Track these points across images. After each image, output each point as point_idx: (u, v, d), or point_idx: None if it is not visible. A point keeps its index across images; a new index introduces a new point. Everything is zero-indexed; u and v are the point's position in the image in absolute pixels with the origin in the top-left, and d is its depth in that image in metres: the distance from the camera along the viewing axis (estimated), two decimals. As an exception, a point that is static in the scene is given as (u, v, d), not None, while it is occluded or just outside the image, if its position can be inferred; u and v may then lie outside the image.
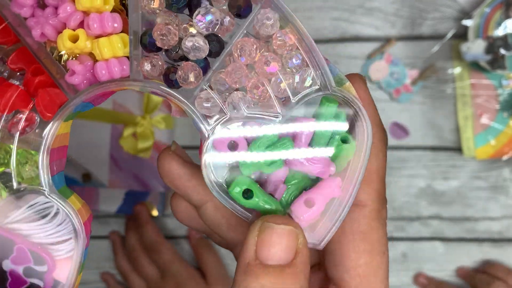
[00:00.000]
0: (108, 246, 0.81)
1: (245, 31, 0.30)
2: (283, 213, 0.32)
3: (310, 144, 0.32)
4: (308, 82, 0.31)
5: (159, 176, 0.38)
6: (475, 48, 0.72)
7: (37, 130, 0.30)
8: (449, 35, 0.76)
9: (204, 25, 0.30)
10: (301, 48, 0.31)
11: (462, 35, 0.76)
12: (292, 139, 0.31)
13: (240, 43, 0.30)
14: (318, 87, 0.31)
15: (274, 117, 0.31)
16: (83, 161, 0.79)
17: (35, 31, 0.29)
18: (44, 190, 0.30)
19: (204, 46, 0.30)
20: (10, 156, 0.30)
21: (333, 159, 0.32)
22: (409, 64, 0.78)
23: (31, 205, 0.31)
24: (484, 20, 0.72)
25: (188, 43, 0.29)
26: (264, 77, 0.30)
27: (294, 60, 0.31)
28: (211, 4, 0.30)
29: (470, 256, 0.78)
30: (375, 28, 0.78)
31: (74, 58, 0.30)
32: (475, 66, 0.75)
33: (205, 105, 0.31)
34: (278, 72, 0.30)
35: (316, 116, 0.32)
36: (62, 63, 0.30)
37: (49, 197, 0.30)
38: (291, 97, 0.31)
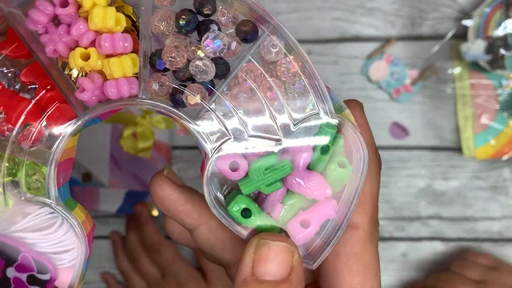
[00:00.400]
0: (108, 246, 0.81)
1: (250, 57, 0.31)
2: (280, 232, 0.33)
3: (308, 167, 0.33)
4: (309, 108, 0.32)
5: (152, 201, 0.38)
6: (475, 48, 0.72)
7: (45, 144, 0.31)
8: (449, 35, 0.76)
9: (212, 49, 0.31)
10: (304, 75, 0.32)
11: (462, 35, 0.76)
12: (291, 161, 0.32)
13: (246, 68, 0.31)
14: (318, 113, 0.32)
15: (276, 141, 0.32)
16: (83, 161, 0.79)
17: (48, 48, 0.30)
18: (51, 203, 0.31)
19: (210, 68, 0.31)
20: (18, 167, 0.31)
21: (330, 182, 0.33)
22: (409, 64, 0.78)
23: (37, 215, 0.31)
24: (484, 20, 0.72)
25: (196, 64, 0.30)
26: (267, 102, 0.32)
27: (296, 86, 0.31)
28: (219, 28, 0.31)
29: (470, 256, 0.78)
30: (375, 28, 0.78)
31: (84, 75, 0.31)
32: (475, 66, 0.75)
33: (209, 125, 0.32)
34: (280, 97, 0.31)
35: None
36: (73, 79, 0.31)
37: (55, 209, 0.31)
38: (292, 122, 0.32)
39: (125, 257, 0.79)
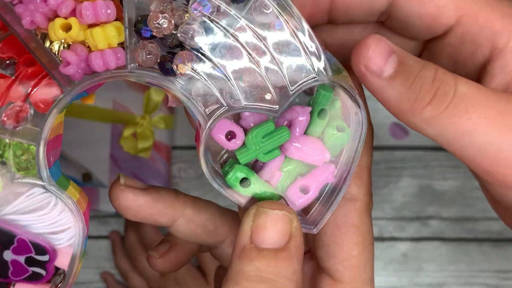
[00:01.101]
0: (108, 246, 0.81)
1: (242, 19, 0.29)
2: (278, 199, 0.32)
3: (306, 132, 0.32)
4: (305, 71, 0.30)
5: (119, 213, 0.37)
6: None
7: (31, 122, 0.29)
8: (449, 35, 0.76)
9: (201, 13, 0.29)
10: (298, 36, 0.30)
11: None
12: (288, 126, 0.32)
13: (239, 31, 0.29)
14: (315, 75, 0.30)
15: (272, 108, 0.30)
16: (83, 161, 0.79)
17: (25, 20, 0.27)
18: (44, 184, 0.30)
19: (200, 33, 0.29)
20: (5, 148, 0.29)
21: (328, 146, 0.32)
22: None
23: (29, 196, 0.30)
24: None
25: (184, 29, 0.29)
26: (261, 65, 0.30)
27: (291, 47, 0.30)
28: None
29: (470, 256, 0.78)
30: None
31: (67, 47, 0.29)
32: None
33: (202, 94, 0.30)
34: (276, 60, 0.30)
35: (312, 104, 0.32)
36: (54, 51, 0.29)
37: (48, 189, 0.30)
38: (288, 86, 0.30)
39: (124, 257, 0.78)
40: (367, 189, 0.34)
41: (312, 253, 0.35)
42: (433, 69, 0.28)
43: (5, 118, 0.29)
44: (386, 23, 0.34)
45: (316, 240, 0.34)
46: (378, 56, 0.28)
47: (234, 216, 0.40)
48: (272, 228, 0.30)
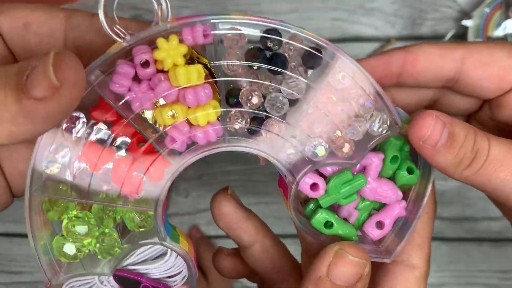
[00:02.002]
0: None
1: (319, 86, 0.33)
2: (356, 235, 0.37)
3: (378, 175, 0.36)
4: (378, 126, 0.34)
5: (213, 218, 0.41)
6: (475, 48, 0.72)
7: (147, 191, 0.33)
8: (449, 35, 0.76)
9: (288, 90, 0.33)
10: (372, 95, 0.34)
11: (462, 35, 0.75)
12: (363, 172, 0.35)
13: (317, 97, 0.33)
14: (388, 129, 0.34)
15: (350, 162, 0.34)
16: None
17: (134, 105, 0.31)
18: (162, 242, 0.35)
19: (286, 102, 0.33)
20: (126, 212, 0.34)
21: (399, 186, 0.36)
22: (409, 64, 0.77)
23: (147, 249, 0.36)
24: (484, 20, 0.72)
25: (272, 100, 0.33)
26: (340, 125, 0.34)
27: (366, 105, 0.34)
28: (286, 60, 0.32)
29: (470, 256, 0.78)
30: (375, 29, 0.77)
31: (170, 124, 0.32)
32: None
33: (288, 154, 0.34)
34: (352, 118, 0.33)
35: (383, 150, 0.36)
36: (158, 125, 0.32)
37: (166, 245, 0.35)
38: (364, 141, 0.34)
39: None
40: (427, 258, 0.38)
41: None
42: (472, 137, 0.33)
43: (127, 192, 0.33)
44: (452, 86, 0.38)
45: None
46: (433, 134, 0.32)
47: (295, 262, 0.44)
48: (348, 271, 0.34)
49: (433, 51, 0.36)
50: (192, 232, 0.79)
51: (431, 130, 0.32)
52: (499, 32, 0.72)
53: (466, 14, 0.75)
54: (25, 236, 0.40)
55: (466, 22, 0.73)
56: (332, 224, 0.36)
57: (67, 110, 0.25)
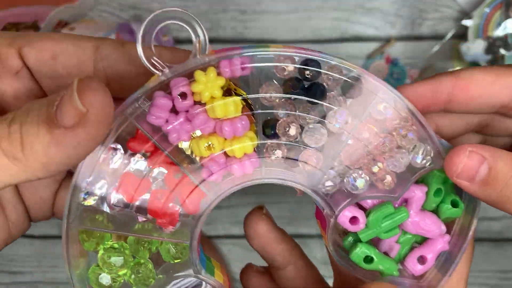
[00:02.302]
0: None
1: (359, 118, 0.32)
2: (397, 269, 0.35)
3: (422, 207, 0.35)
4: (421, 158, 0.33)
5: (246, 237, 0.40)
6: (475, 48, 0.72)
7: (182, 224, 0.33)
8: (449, 35, 0.76)
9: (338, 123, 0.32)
10: (414, 126, 0.33)
11: (462, 35, 0.75)
12: (405, 205, 0.34)
13: (359, 128, 0.32)
14: (431, 160, 0.33)
15: (392, 195, 0.33)
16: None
17: (171, 136, 0.31)
18: (197, 275, 0.34)
19: (324, 133, 0.32)
20: (162, 244, 0.34)
21: (443, 219, 0.35)
22: (409, 64, 0.78)
23: (180, 281, 0.35)
24: (484, 20, 0.72)
25: (310, 132, 0.32)
26: (381, 156, 0.33)
27: (408, 136, 0.33)
28: (325, 89, 0.32)
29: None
30: (375, 28, 0.77)
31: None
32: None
33: (326, 186, 0.33)
34: (394, 150, 0.33)
35: (426, 182, 0.34)
36: (194, 156, 0.32)
37: (201, 278, 0.35)
38: (407, 173, 0.33)
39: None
40: None
41: None
42: None
43: (163, 223, 0.33)
44: (506, 112, 0.36)
45: None
46: (467, 169, 0.31)
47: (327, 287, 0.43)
48: None
49: (484, 77, 0.34)
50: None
51: (463, 165, 0.31)
52: (499, 32, 0.72)
53: (466, 14, 0.75)
54: (25, 236, 0.40)
55: (466, 22, 0.73)
56: (372, 259, 0.34)
57: (97, 137, 0.25)
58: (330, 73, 0.32)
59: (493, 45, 0.71)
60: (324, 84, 0.32)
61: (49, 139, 0.23)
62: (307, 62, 0.31)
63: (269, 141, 0.32)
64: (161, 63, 0.30)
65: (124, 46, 0.32)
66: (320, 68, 0.32)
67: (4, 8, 0.72)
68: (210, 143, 0.31)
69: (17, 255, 0.82)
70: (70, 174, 0.35)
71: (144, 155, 0.32)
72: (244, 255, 0.79)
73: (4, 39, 0.29)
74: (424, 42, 0.77)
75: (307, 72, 0.31)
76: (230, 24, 0.77)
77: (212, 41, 0.76)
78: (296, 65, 0.31)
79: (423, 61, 0.77)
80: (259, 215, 0.39)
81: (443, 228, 0.35)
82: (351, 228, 0.34)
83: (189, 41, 0.75)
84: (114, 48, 0.32)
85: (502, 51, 0.71)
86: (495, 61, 0.72)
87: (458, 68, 0.76)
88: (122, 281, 0.34)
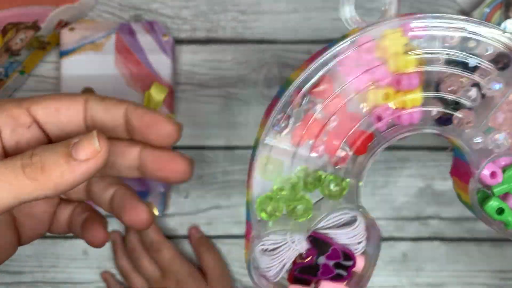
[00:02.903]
0: (108, 246, 0.80)
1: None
2: None
3: None
4: None
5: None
6: (475, 48, 0.72)
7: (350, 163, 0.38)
8: (449, 35, 0.76)
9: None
10: None
11: (462, 35, 0.76)
12: None
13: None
14: None
15: None
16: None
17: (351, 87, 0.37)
18: (358, 210, 0.39)
19: (478, 96, 0.38)
20: (326, 179, 0.38)
21: None
22: (409, 64, 0.78)
23: (339, 215, 0.39)
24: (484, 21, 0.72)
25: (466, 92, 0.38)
26: None
27: None
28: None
29: (470, 256, 0.78)
30: (375, 28, 0.78)
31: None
32: (475, 66, 0.75)
33: (476, 142, 0.39)
34: None
35: None
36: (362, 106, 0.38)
37: (361, 212, 0.39)
38: None
39: (124, 256, 0.78)
40: None
41: None
42: None
43: (338, 163, 0.38)
44: None
45: None
46: None
47: None
48: None
49: None
50: (192, 232, 0.79)
51: None
52: (499, 32, 0.72)
53: (466, 14, 0.76)
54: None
55: (466, 22, 0.74)
56: (502, 211, 0.40)
57: (100, 168, 0.33)
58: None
59: (493, 45, 0.71)
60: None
61: (66, 167, 0.32)
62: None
63: (432, 96, 0.37)
64: (360, 20, 0.39)
65: (103, 100, 0.38)
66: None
67: (4, 8, 0.72)
68: (387, 92, 0.36)
69: (17, 255, 0.81)
70: (62, 200, 0.42)
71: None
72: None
73: (12, 103, 0.36)
74: (424, 42, 0.77)
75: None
76: (230, 24, 0.77)
77: (212, 41, 0.76)
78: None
79: (423, 61, 0.77)
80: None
81: None
82: (490, 181, 0.39)
83: (189, 41, 0.75)
84: (96, 102, 0.38)
85: (502, 51, 0.71)
86: (495, 61, 0.72)
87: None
88: (284, 212, 0.38)
